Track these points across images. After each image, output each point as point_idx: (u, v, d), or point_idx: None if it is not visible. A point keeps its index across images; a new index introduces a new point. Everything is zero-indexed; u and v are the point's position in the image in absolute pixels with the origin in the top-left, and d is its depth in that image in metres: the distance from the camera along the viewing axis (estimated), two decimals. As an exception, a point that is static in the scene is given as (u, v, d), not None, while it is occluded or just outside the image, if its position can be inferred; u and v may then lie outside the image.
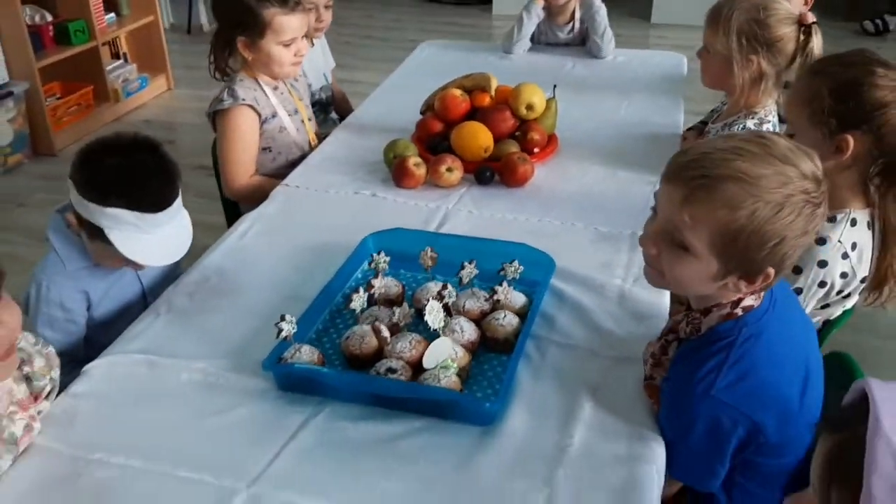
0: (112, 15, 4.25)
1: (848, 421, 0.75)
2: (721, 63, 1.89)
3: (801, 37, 1.86)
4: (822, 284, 1.50)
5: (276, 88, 2.11)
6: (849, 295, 1.56)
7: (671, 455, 1.19)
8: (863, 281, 1.54)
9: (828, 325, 1.62)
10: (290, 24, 2.00)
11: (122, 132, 1.48)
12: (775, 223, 1.05)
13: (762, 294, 1.18)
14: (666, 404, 1.22)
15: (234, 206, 2.18)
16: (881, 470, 0.69)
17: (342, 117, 2.58)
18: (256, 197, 1.92)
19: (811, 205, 1.07)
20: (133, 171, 1.40)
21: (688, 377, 1.16)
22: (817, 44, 1.86)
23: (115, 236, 1.39)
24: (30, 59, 3.65)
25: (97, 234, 1.41)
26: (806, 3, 1.92)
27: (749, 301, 1.16)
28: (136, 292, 1.61)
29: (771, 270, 1.10)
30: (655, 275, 1.20)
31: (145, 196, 1.40)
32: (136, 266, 1.49)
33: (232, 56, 2.08)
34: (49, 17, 3.89)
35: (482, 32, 5.79)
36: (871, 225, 1.52)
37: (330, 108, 2.65)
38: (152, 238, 1.41)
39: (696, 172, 1.09)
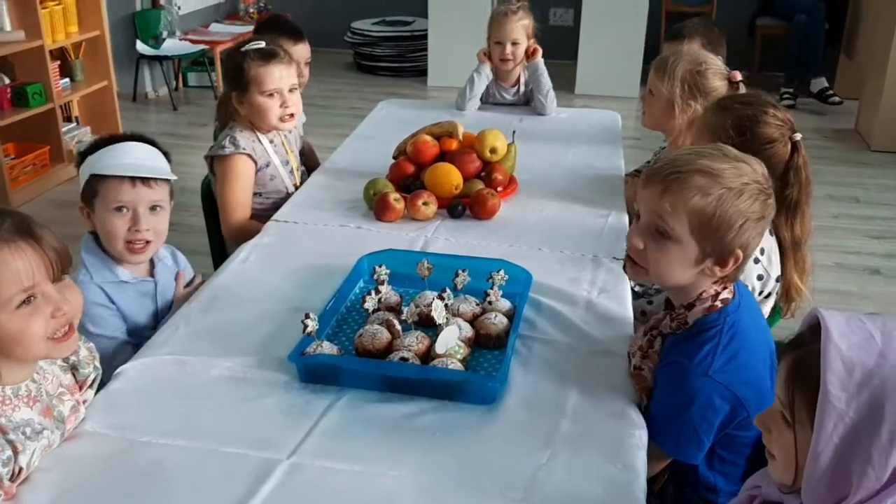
0: (67, 80, 4.38)
1: (804, 341, 0.97)
2: (663, 106, 2.18)
3: (730, 91, 2.17)
4: None
5: (271, 141, 2.31)
6: (769, 294, 1.82)
7: (663, 433, 1.38)
8: (777, 280, 1.81)
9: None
10: (269, 74, 2.19)
11: None
12: (738, 206, 1.31)
13: (733, 288, 1.41)
14: (662, 387, 1.40)
15: (221, 248, 2.34)
16: (833, 367, 0.91)
17: (308, 168, 2.77)
18: (246, 235, 2.07)
19: (763, 194, 1.33)
20: (112, 137, 1.73)
21: (685, 362, 1.36)
22: None
23: (97, 167, 1.63)
24: (-10, 119, 3.75)
25: (91, 197, 1.65)
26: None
27: (725, 294, 1.39)
28: (149, 312, 1.75)
29: (739, 253, 1.34)
30: (638, 269, 1.42)
31: (117, 138, 1.70)
32: (134, 247, 1.67)
33: (235, 114, 2.27)
34: (7, 80, 4.00)
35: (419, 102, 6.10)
36: (772, 232, 1.79)
37: (302, 159, 2.84)
38: (123, 155, 1.66)
39: (670, 170, 1.35)
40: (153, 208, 1.68)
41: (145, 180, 1.66)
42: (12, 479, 1.15)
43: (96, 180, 1.64)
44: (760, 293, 1.78)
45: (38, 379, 1.25)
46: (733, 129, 1.73)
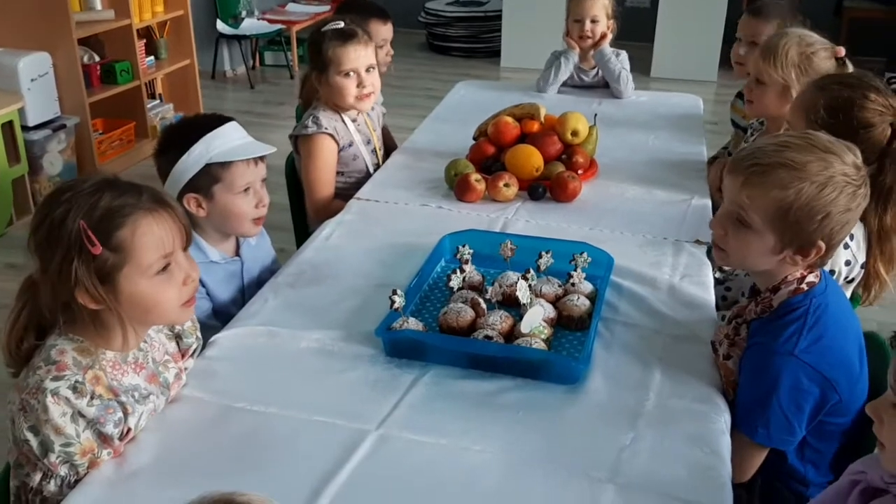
0: (151, 58, 4.51)
1: None
2: (777, 93, 2.08)
3: (838, 68, 2.08)
4: (830, 273, 1.71)
5: (354, 120, 2.34)
6: (853, 280, 1.79)
7: (752, 420, 1.36)
8: (862, 266, 1.77)
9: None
10: (345, 54, 2.21)
11: None
12: (819, 200, 1.28)
13: (819, 273, 1.39)
14: (748, 371, 1.39)
15: (303, 225, 2.39)
16: None
17: (385, 149, 2.80)
18: (330, 213, 2.11)
19: (852, 186, 1.30)
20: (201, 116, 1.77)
21: (770, 343, 1.35)
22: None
23: (214, 155, 1.64)
24: (82, 95, 3.90)
25: (208, 185, 1.66)
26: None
27: (811, 278, 1.38)
28: (237, 291, 1.80)
29: (821, 244, 1.32)
30: (722, 254, 1.43)
31: (212, 121, 1.69)
32: (258, 221, 1.73)
33: (317, 93, 2.32)
34: (97, 58, 4.15)
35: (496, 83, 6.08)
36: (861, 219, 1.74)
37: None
38: (232, 138, 1.67)
39: (751, 162, 1.34)
40: (263, 181, 1.74)
41: (260, 157, 1.71)
42: (121, 438, 1.22)
43: (216, 168, 1.65)
44: (845, 278, 1.75)
45: (145, 347, 1.31)
46: (825, 109, 1.68)
